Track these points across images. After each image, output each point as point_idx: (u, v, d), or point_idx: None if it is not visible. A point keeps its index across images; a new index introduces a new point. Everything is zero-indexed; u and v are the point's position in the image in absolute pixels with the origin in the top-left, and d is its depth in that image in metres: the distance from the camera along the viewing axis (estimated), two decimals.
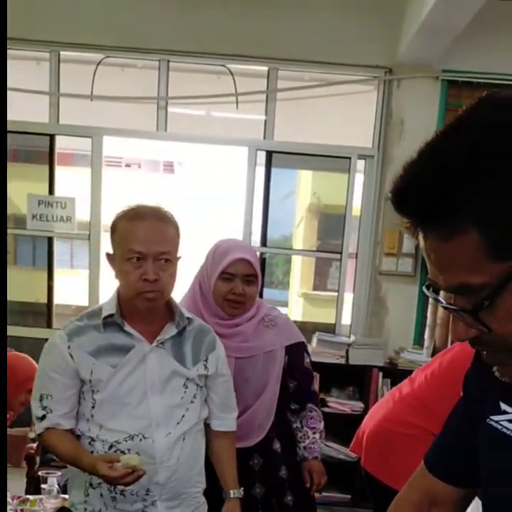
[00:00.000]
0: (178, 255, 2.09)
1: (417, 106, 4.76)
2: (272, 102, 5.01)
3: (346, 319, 5.17)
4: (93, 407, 2.05)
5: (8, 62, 4.80)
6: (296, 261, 7.12)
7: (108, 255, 2.08)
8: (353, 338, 4.87)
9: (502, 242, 0.79)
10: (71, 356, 2.03)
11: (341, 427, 4.72)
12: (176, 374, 2.10)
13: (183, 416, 2.10)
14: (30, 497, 3.08)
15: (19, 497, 3.03)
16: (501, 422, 1.00)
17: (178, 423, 2.09)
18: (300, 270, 7.73)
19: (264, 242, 5.05)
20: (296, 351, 2.64)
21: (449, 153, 0.79)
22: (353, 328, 5.09)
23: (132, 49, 4.96)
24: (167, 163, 6.94)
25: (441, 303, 0.89)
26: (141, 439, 2.04)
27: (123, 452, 2.02)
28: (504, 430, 1.00)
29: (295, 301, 7.50)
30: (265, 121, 5.03)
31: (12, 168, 5.29)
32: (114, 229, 2.05)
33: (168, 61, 5.01)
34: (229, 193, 5.29)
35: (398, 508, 1.25)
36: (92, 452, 2.04)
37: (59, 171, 5.19)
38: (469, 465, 1.09)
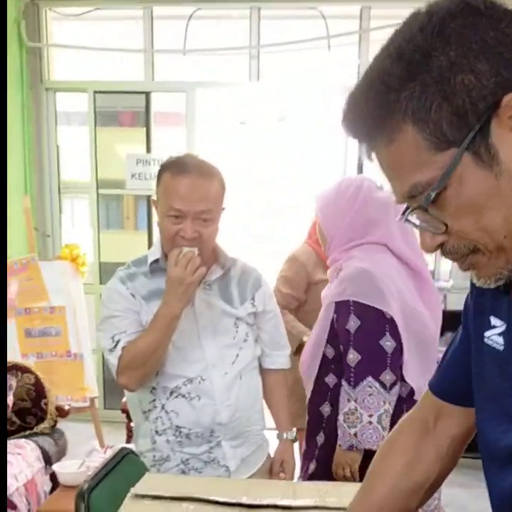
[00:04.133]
0: (223, 207, 2.07)
1: None
2: (364, 42, 4.85)
3: (447, 263, 4.96)
4: None
5: (107, 23, 4.91)
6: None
7: (153, 201, 2.09)
8: (452, 282, 4.73)
9: (436, 131, 0.82)
10: (133, 296, 2.07)
11: None
12: (226, 314, 2.12)
13: (237, 355, 2.12)
14: (126, 446, 3.24)
15: (112, 447, 3.19)
16: (491, 338, 1.01)
17: (233, 363, 2.12)
18: None
19: None
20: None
21: (378, 63, 0.84)
22: (453, 272, 4.90)
23: None
24: (280, 116, 6.87)
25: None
26: (199, 382, 2.07)
27: (184, 396, 2.06)
28: (494, 345, 1.00)
29: None
30: (359, 64, 4.90)
31: (106, 131, 5.49)
32: (159, 179, 2.04)
33: (259, 9, 4.95)
34: (325, 140, 5.19)
35: (404, 423, 1.27)
36: (154, 400, 2.09)
37: (165, 131, 5.27)
38: (469, 385, 1.10)
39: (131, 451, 2.01)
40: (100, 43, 5.21)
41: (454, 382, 1.17)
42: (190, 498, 1.40)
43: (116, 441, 3.81)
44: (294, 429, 2.31)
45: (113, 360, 2.05)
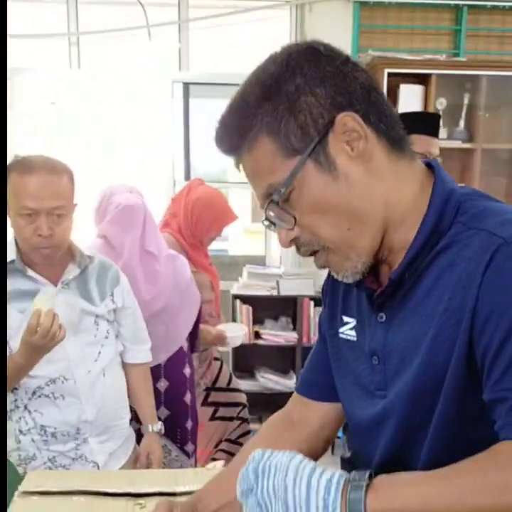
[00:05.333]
0: (75, 203, 2.09)
1: (330, 29, 4.70)
2: (185, 32, 4.92)
3: (276, 250, 5.18)
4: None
5: None
6: (233, 194, 7.08)
7: None
8: (283, 268, 4.89)
9: (285, 142, 1.00)
10: None
11: (277, 358, 4.88)
12: (86, 313, 2.14)
13: (99, 353, 2.16)
14: None
15: None
16: (345, 332, 1.19)
17: (95, 360, 2.15)
18: (237, 203, 7.71)
19: (187, 176, 5.02)
20: None
21: (242, 86, 1.05)
22: (283, 259, 5.11)
23: None
24: (89, 97, 6.70)
25: (269, 226, 1.08)
26: (63, 382, 2.08)
27: (47, 396, 2.07)
28: (348, 337, 1.18)
29: (234, 235, 7.48)
30: (179, 52, 4.95)
31: None
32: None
33: None
34: (149, 128, 5.20)
35: (272, 417, 1.43)
36: (15, 400, 2.08)
37: None
38: (327, 383, 1.28)
39: None
40: None
41: (315, 383, 1.34)
42: (79, 492, 1.44)
43: None
44: (159, 422, 2.38)
45: None
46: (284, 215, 1.03)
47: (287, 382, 4.71)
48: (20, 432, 2.10)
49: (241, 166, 1.07)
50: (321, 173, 0.99)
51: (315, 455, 1.35)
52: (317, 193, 1.00)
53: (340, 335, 1.20)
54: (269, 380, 4.76)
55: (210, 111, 5.47)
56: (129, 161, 5.24)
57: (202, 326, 3.11)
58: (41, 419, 2.08)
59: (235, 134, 1.04)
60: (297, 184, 1.00)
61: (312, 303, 4.77)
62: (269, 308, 4.90)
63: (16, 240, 2.08)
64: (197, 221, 3.14)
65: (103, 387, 2.15)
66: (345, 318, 1.19)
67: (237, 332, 3.43)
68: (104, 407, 2.15)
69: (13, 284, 2.05)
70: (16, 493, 1.38)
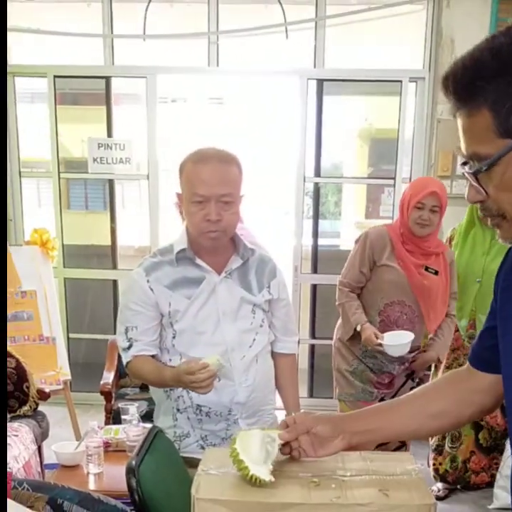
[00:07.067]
0: (241, 194, 2.22)
1: (467, 24, 4.67)
2: (320, 29, 5.00)
3: None
4: (174, 337, 2.25)
5: (58, 4, 4.84)
6: (347, 189, 7.08)
7: (178, 195, 2.24)
8: None
9: (503, 123, 1.02)
10: (151, 289, 2.22)
11: None
12: (245, 301, 2.28)
13: (254, 340, 2.29)
14: (113, 426, 3.38)
15: (103, 427, 3.33)
16: None
17: (250, 346, 2.29)
18: (351, 199, 7.70)
19: (317, 172, 5.12)
20: None
21: (480, 52, 1.03)
22: None
23: None
24: (216, 96, 6.93)
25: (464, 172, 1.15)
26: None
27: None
28: None
29: (346, 230, 7.51)
30: (315, 49, 5.03)
31: (67, 111, 5.48)
32: (181, 171, 2.20)
33: None
34: (280, 125, 5.33)
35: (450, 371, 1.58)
36: None
37: (125, 112, 5.31)
38: (493, 354, 1.33)
39: (161, 429, 2.16)
40: (56, 25, 5.17)
41: (480, 356, 1.42)
42: None
43: (85, 422, 3.82)
44: (302, 410, 2.49)
45: (124, 359, 2.28)
46: (477, 186, 1.09)
47: None
48: (178, 410, 2.28)
49: (457, 114, 1.11)
50: None
51: (476, 413, 1.48)
52: None
53: None
54: None
55: (342, 107, 5.54)
56: (259, 157, 5.38)
57: (365, 325, 3.23)
58: (198, 399, 2.23)
59: (457, 96, 1.07)
60: (500, 164, 1.04)
61: None
62: None
63: (187, 230, 2.25)
64: (402, 203, 3.34)
65: (255, 372, 2.29)
66: None
67: (396, 341, 3.18)
68: (254, 391, 2.29)
69: (181, 271, 2.23)
70: (199, 468, 1.49)
